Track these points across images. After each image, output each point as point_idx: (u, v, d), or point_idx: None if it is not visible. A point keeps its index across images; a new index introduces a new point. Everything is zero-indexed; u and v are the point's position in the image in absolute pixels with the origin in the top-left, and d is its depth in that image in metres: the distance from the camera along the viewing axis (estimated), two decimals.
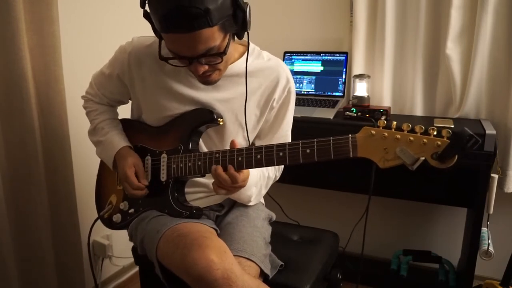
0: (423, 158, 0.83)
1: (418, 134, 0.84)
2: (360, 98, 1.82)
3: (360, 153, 0.89)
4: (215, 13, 0.90)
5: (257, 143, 1.25)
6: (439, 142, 0.82)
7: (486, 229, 1.65)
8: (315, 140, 0.93)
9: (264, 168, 1.20)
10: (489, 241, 1.62)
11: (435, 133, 0.83)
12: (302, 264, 1.26)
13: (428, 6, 1.83)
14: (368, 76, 1.87)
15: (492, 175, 1.57)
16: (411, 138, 0.84)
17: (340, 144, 0.91)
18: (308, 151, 0.94)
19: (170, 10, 0.89)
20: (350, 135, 0.90)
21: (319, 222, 1.92)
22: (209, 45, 0.95)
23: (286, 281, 1.18)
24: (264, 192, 1.26)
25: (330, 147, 0.91)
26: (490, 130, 1.52)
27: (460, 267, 1.92)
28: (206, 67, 1.00)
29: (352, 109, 1.76)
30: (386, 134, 0.86)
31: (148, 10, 0.97)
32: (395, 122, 0.88)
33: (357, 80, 1.86)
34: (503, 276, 1.56)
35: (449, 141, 0.81)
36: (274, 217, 1.33)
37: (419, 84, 1.89)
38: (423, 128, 0.85)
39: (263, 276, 1.10)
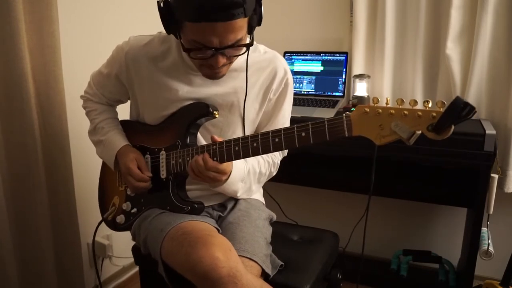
0: (420, 131, 0.81)
1: (412, 108, 0.82)
2: (360, 98, 1.82)
3: (356, 132, 0.88)
4: (249, 4, 0.94)
5: None
6: (434, 114, 0.80)
7: (486, 229, 1.65)
8: (309, 123, 0.93)
9: (255, 164, 1.20)
10: (489, 241, 1.62)
11: (429, 105, 0.82)
12: (302, 264, 1.26)
13: (428, 6, 1.83)
14: (368, 76, 1.87)
15: (492, 175, 1.57)
16: (406, 112, 0.83)
17: (335, 125, 0.90)
18: (303, 134, 0.93)
19: None
20: (344, 114, 0.89)
21: (319, 222, 1.92)
22: (238, 36, 0.96)
23: (286, 281, 1.18)
24: (254, 187, 1.26)
25: (325, 128, 0.91)
26: (490, 130, 1.52)
27: (460, 267, 1.92)
28: (225, 59, 1.01)
29: (352, 109, 1.75)
30: (380, 110, 0.85)
31: (162, 3, 0.97)
32: (388, 98, 0.87)
33: (357, 80, 1.86)
34: (503, 276, 1.55)
35: (443, 111, 0.79)
36: (274, 217, 1.33)
37: (419, 84, 1.89)
38: (417, 102, 0.83)
39: (264, 276, 1.10)
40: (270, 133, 0.98)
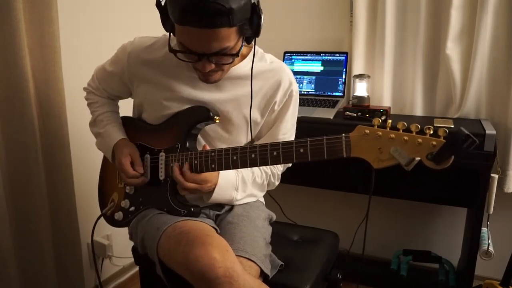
0: (418, 158, 0.81)
1: (413, 134, 0.82)
2: (360, 98, 1.82)
3: (354, 153, 0.88)
4: (237, 14, 0.90)
5: None
6: (434, 142, 0.80)
7: (486, 229, 1.65)
8: (308, 139, 0.92)
9: (249, 172, 1.20)
10: (489, 241, 1.62)
11: (431, 132, 0.81)
12: (302, 264, 1.26)
13: (428, 6, 1.83)
14: (368, 76, 1.87)
15: (492, 175, 1.57)
16: (406, 137, 0.82)
17: (333, 144, 0.89)
18: (301, 150, 0.93)
19: (195, 2, 0.87)
20: (343, 134, 0.88)
21: (319, 222, 1.92)
22: (224, 44, 0.94)
23: (286, 281, 1.18)
24: (259, 192, 1.26)
25: (324, 147, 0.90)
26: (490, 130, 1.52)
27: (460, 267, 1.92)
28: (213, 66, 1.00)
29: (352, 109, 1.76)
30: (380, 133, 0.84)
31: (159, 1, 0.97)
32: (390, 121, 0.86)
33: (357, 80, 1.86)
34: (503, 276, 1.55)
35: (444, 141, 0.78)
36: (274, 217, 1.33)
37: (419, 84, 1.89)
38: (419, 127, 0.82)
39: (263, 276, 1.10)
40: (269, 146, 0.98)
